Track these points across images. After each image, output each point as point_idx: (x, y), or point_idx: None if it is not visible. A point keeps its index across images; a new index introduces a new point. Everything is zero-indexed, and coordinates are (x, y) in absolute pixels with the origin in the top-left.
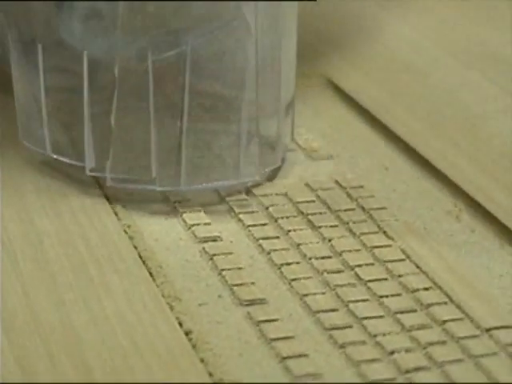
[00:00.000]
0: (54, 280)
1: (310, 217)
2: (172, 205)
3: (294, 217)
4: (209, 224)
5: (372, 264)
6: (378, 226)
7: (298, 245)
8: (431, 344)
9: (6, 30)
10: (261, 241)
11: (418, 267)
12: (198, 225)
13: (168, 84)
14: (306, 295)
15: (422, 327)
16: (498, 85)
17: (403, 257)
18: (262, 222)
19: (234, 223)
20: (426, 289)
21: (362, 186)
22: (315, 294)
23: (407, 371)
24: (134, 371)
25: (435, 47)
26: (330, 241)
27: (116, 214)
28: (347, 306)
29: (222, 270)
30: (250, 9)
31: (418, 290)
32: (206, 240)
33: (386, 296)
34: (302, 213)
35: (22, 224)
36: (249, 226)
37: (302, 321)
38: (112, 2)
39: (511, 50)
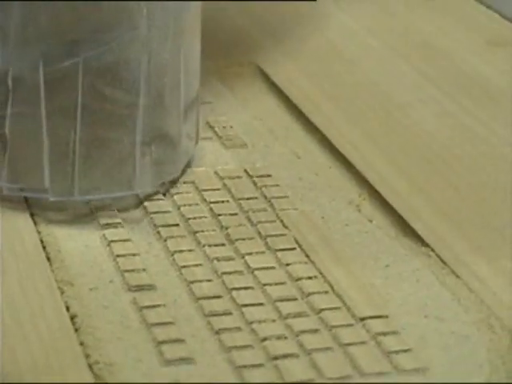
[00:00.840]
0: None
1: (212, 205)
2: None
3: (197, 205)
4: (113, 210)
5: (263, 252)
6: (277, 215)
7: (195, 232)
8: (304, 332)
9: None
10: (160, 228)
11: (307, 256)
12: (102, 210)
13: (62, 94)
14: (193, 282)
15: (298, 315)
16: (425, 75)
17: (295, 246)
18: (165, 209)
19: (138, 211)
20: (310, 278)
21: (269, 175)
22: (202, 281)
23: (275, 358)
24: (15, 351)
25: (371, 36)
26: (227, 229)
27: (26, 201)
28: (230, 293)
29: (118, 255)
30: (144, 21)
31: (301, 278)
32: (107, 226)
33: (270, 284)
34: (205, 201)
35: None
36: (152, 213)
37: (184, 307)
38: (7, 13)
39: (444, 39)
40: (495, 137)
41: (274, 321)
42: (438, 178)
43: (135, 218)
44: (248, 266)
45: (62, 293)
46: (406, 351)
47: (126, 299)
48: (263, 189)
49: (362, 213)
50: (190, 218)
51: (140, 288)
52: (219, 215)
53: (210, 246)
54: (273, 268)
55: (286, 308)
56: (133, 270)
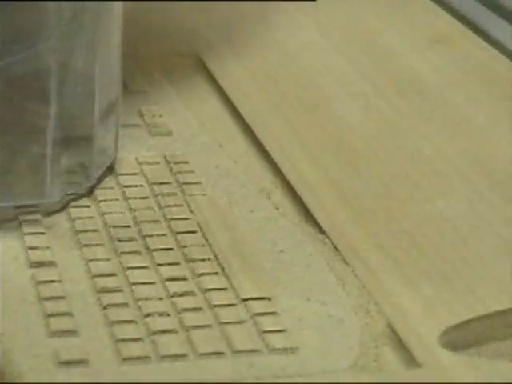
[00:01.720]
0: None
1: (124, 188)
2: None
3: (111, 188)
4: None
5: (164, 235)
6: (185, 200)
7: (103, 214)
8: (187, 310)
9: None
10: (71, 209)
11: (205, 239)
12: None
13: None
14: (92, 260)
15: (185, 294)
16: (360, 70)
17: (196, 229)
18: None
19: None
20: (203, 260)
21: (187, 162)
22: (99, 259)
23: (154, 333)
24: None
25: (316, 31)
26: (134, 211)
27: None
28: (125, 271)
29: (25, 234)
30: (56, 32)
31: (195, 260)
32: None
33: (164, 264)
34: (119, 184)
35: None
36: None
37: (79, 283)
38: None
39: (387, 36)
40: (414, 131)
41: (160, 299)
42: (350, 169)
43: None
44: (147, 247)
45: None
46: (280, 331)
47: (26, 275)
48: (178, 175)
49: (271, 200)
50: (101, 201)
51: (40, 264)
52: (129, 198)
53: (114, 227)
54: (171, 249)
55: (175, 287)
56: (36, 248)
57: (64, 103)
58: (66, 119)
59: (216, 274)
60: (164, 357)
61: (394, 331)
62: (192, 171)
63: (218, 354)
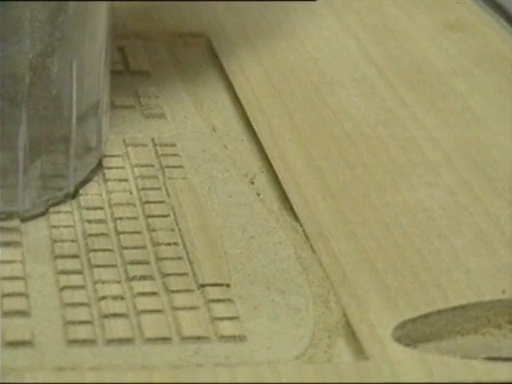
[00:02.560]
0: None
1: (105, 170)
2: None
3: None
4: None
5: (135, 218)
6: (163, 183)
7: (80, 195)
8: (142, 294)
9: None
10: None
11: (177, 224)
12: None
13: None
14: (57, 241)
15: (143, 278)
16: (369, 56)
17: (169, 213)
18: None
19: None
20: (169, 244)
21: (174, 145)
22: (65, 240)
23: (105, 316)
24: None
25: (327, 16)
26: (111, 193)
27: None
28: (88, 254)
29: None
30: (28, 35)
31: (161, 244)
32: None
33: (128, 248)
34: (101, 165)
35: None
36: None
37: (43, 264)
38: None
39: (402, 21)
40: (412, 120)
41: (118, 282)
42: (337, 156)
43: None
44: (116, 231)
45: None
46: (231, 319)
47: None
48: (161, 158)
49: (253, 186)
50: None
51: (7, 244)
52: (108, 180)
53: (88, 209)
54: (138, 233)
55: (135, 271)
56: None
57: (38, 106)
58: (41, 123)
59: (180, 258)
60: (110, 340)
61: (348, 322)
62: (177, 154)
63: (165, 339)
